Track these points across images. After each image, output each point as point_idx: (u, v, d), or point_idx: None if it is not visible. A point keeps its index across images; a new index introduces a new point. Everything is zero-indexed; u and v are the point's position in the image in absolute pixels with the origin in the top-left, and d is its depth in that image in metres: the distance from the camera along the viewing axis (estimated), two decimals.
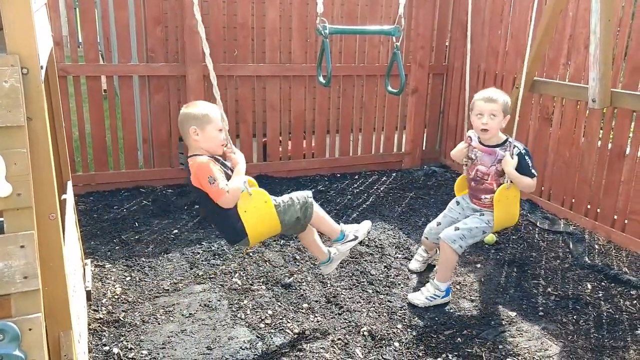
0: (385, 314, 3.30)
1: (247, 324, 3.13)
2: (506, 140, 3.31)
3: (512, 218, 3.38)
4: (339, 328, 3.14)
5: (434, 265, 3.85)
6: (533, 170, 3.24)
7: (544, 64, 4.99)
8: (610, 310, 3.43)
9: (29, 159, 1.56)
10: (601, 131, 4.58)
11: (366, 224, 3.30)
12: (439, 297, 3.38)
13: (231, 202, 2.63)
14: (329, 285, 3.61)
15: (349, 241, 3.18)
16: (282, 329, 3.10)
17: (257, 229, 2.75)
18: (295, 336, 3.04)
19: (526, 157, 3.24)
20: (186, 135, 2.74)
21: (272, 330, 3.09)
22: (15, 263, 1.53)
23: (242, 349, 2.90)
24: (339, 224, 3.19)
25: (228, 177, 2.70)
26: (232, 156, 2.77)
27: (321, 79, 3.78)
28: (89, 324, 3.03)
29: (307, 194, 2.96)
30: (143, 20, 5.00)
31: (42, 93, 1.63)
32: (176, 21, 5.23)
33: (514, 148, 3.22)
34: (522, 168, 3.21)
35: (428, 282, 3.50)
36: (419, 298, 3.40)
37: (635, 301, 3.52)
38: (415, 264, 3.87)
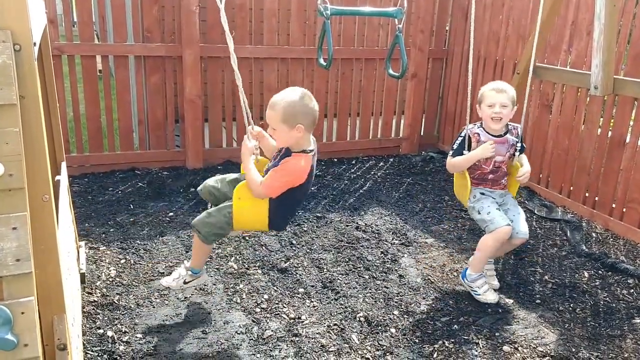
0: (381, 300, 3.29)
1: (242, 309, 3.11)
2: (507, 126, 3.39)
3: None
4: (335, 313, 3.13)
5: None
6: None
7: (545, 49, 4.94)
8: (607, 298, 3.42)
9: (21, 138, 1.52)
10: (601, 119, 4.55)
11: None
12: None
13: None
14: (325, 270, 3.59)
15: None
16: (278, 314, 3.08)
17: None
18: (291, 321, 3.02)
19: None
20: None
21: (268, 315, 3.07)
22: (7, 245, 1.50)
23: (238, 334, 2.88)
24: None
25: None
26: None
27: (322, 61, 3.73)
28: (83, 307, 3.00)
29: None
30: None
31: (35, 71, 1.58)
32: (173, 1, 5.14)
33: (517, 129, 3.41)
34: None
35: (484, 274, 3.35)
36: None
37: (632, 290, 3.52)
38: (493, 295, 3.33)
